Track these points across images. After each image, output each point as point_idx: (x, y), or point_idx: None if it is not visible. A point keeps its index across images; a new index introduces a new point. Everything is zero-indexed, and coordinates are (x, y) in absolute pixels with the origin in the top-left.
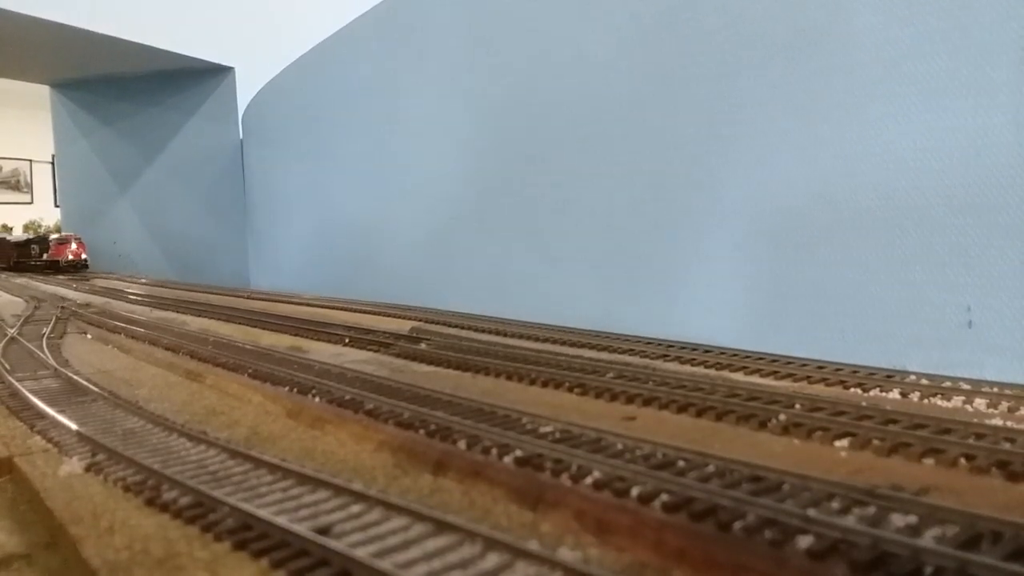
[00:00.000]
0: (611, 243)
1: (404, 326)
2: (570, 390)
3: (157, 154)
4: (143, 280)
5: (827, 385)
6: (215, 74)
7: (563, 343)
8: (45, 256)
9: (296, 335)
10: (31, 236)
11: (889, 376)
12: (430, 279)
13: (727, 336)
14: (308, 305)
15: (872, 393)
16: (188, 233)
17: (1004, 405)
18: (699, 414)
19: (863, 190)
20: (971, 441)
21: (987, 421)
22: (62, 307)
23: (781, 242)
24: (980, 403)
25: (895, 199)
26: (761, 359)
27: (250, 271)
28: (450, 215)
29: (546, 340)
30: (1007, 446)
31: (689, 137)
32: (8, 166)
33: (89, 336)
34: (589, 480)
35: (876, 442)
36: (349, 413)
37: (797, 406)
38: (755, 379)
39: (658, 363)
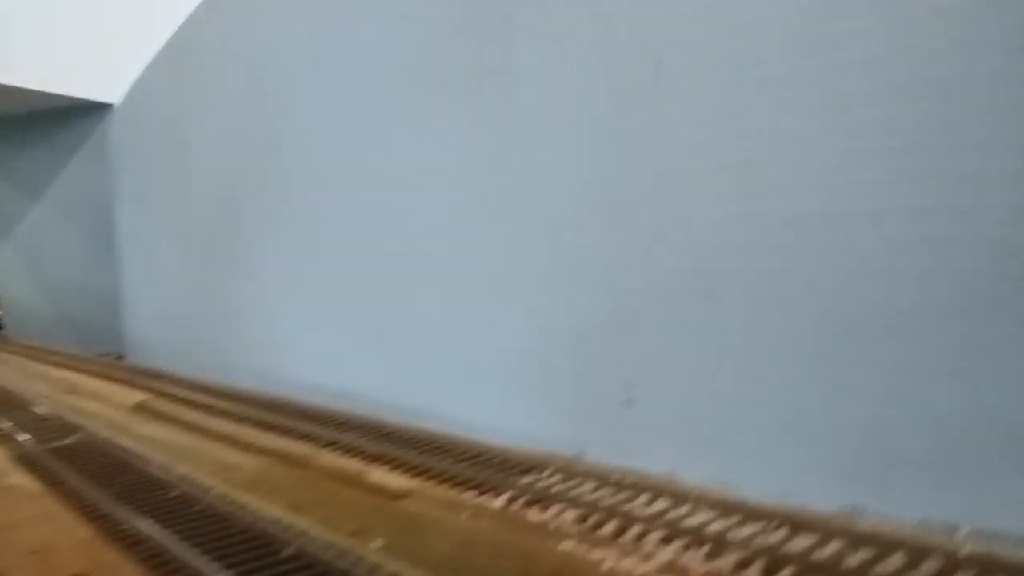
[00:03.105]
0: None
1: (130, 399)
2: None
3: (38, 197)
4: None
5: (440, 482)
6: (94, 111)
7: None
8: None
9: None
10: None
11: (529, 470)
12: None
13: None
14: (68, 368)
15: (479, 499)
16: (72, 283)
17: (592, 520)
18: None
19: (534, 242)
20: None
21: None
22: None
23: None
24: (569, 516)
25: (561, 254)
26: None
27: (125, 326)
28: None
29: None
30: None
31: (390, 175)
32: None
33: None
34: None
35: None
36: None
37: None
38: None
39: None
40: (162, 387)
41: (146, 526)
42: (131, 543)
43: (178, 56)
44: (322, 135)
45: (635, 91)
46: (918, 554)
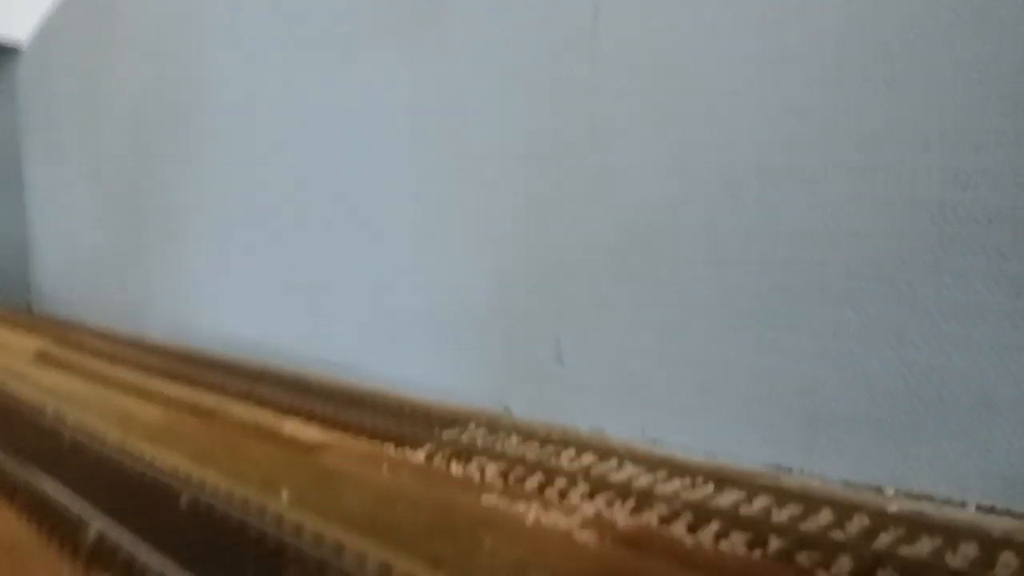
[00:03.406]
0: None
1: (31, 348)
2: None
3: None
4: None
5: (358, 436)
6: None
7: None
8: None
9: None
10: None
11: (452, 424)
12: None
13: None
14: None
15: (398, 453)
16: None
17: (516, 473)
18: None
19: (463, 193)
20: None
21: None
22: None
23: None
24: (492, 470)
25: (491, 207)
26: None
27: (33, 275)
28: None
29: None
30: None
31: (316, 121)
32: None
33: None
34: None
35: None
36: None
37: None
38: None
39: None
40: (67, 335)
41: (30, 474)
42: (11, 491)
43: None
44: (245, 78)
45: (571, 40)
46: (846, 511)
